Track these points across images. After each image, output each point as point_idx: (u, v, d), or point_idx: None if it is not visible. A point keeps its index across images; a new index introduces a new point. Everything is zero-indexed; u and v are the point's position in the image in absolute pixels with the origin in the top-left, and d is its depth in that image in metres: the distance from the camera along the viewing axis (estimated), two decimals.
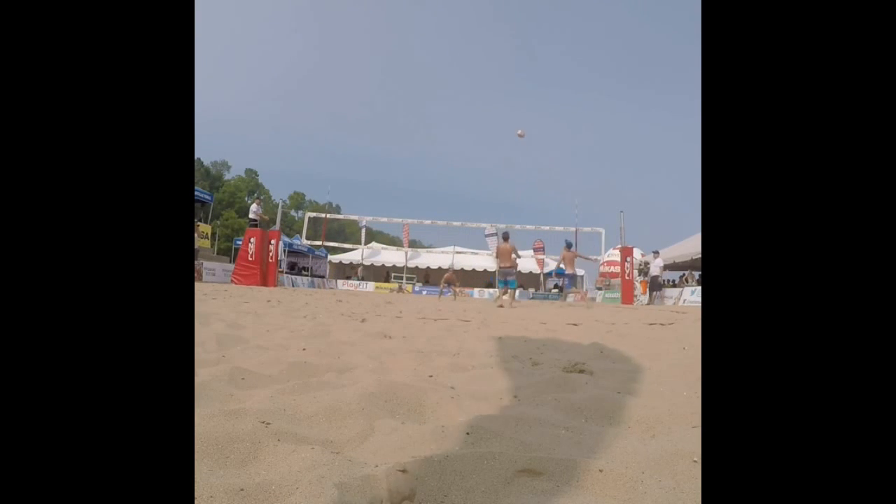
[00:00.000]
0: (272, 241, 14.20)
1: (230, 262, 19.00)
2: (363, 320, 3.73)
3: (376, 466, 0.75)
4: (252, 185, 58.94)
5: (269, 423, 0.93)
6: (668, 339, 2.93)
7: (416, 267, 25.62)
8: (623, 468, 0.78)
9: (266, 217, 15.19)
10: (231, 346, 2.06)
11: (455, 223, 21.72)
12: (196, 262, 13.90)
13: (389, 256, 27.14)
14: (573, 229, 18.92)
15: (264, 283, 13.60)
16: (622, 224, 15.55)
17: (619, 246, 15.99)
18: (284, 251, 19.08)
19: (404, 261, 24.98)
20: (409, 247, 25.68)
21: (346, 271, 27.07)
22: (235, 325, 2.87)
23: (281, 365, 1.64)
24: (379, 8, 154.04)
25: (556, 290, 23.18)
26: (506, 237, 9.86)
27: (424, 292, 21.58)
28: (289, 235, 24.78)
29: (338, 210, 54.97)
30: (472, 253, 25.05)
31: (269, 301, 5.92)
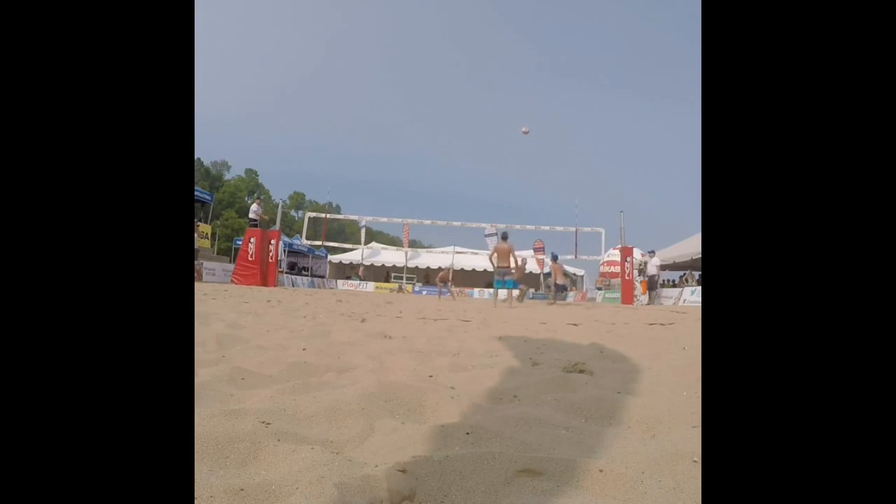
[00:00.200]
0: (272, 241, 14.20)
1: (230, 262, 19.01)
2: (363, 320, 3.74)
3: (376, 466, 0.75)
4: (252, 185, 58.94)
5: (269, 423, 0.93)
6: (668, 339, 2.93)
7: (416, 267, 25.63)
8: (623, 468, 0.78)
9: (266, 217, 15.19)
10: (231, 346, 2.06)
11: (455, 223, 21.72)
12: (196, 262, 13.90)
13: (389, 256, 27.14)
14: (573, 229, 18.91)
15: (264, 283, 13.60)
16: (622, 224, 15.56)
17: (619, 246, 15.98)
18: (284, 251, 19.08)
19: (404, 261, 24.99)
20: (409, 247, 25.69)
21: (346, 271, 27.07)
22: (235, 325, 2.87)
23: (281, 365, 1.64)
24: (380, 7, 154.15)
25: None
26: (504, 237, 9.85)
27: (424, 292, 21.59)
28: (289, 235, 24.78)
29: (338, 210, 54.98)
30: (472, 253, 25.05)
31: (269, 301, 5.92)
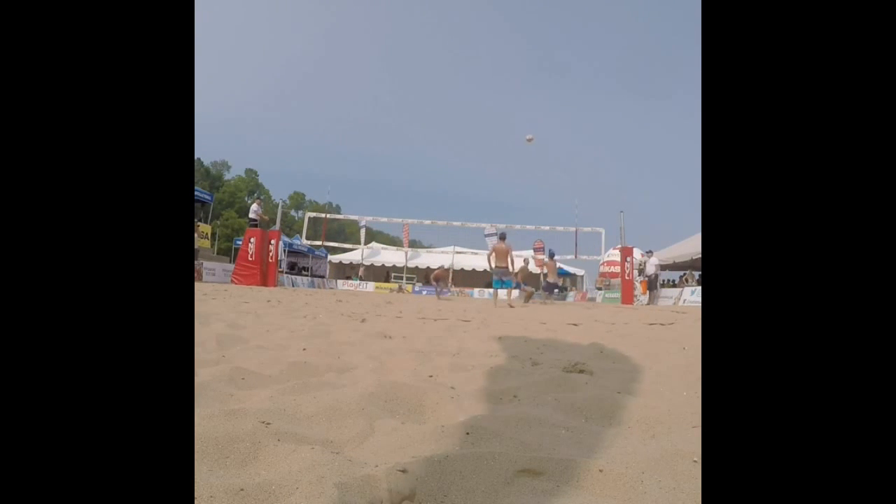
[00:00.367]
0: (272, 241, 14.20)
1: (230, 262, 19.00)
2: (363, 320, 3.74)
3: (376, 466, 0.75)
4: (252, 185, 58.94)
5: (269, 423, 0.93)
6: (668, 339, 2.93)
7: (416, 267, 25.62)
8: (623, 468, 0.78)
9: (266, 217, 15.18)
10: (231, 346, 2.06)
11: (455, 223, 21.71)
12: (196, 262, 13.90)
13: (389, 256, 27.13)
14: (573, 229, 18.91)
15: (264, 283, 13.60)
16: (622, 224, 15.55)
17: (619, 246, 15.98)
18: (284, 251, 19.07)
19: (404, 261, 24.98)
20: (409, 247, 25.69)
21: (346, 271, 27.07)
22: (235, 325, 2.87)
23: (281, 365, 1.64)
24: (380, 7, 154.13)
25: (556, 291, 23.18)
26: (502, 237, 9.86)
27: (424, 292, 21.58)
28: (289, 235, 24.77)
29: (338, 210, 54.97)
30: (472, 253, 25.04)
31: (269, 301, 5.92)
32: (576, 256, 19.24)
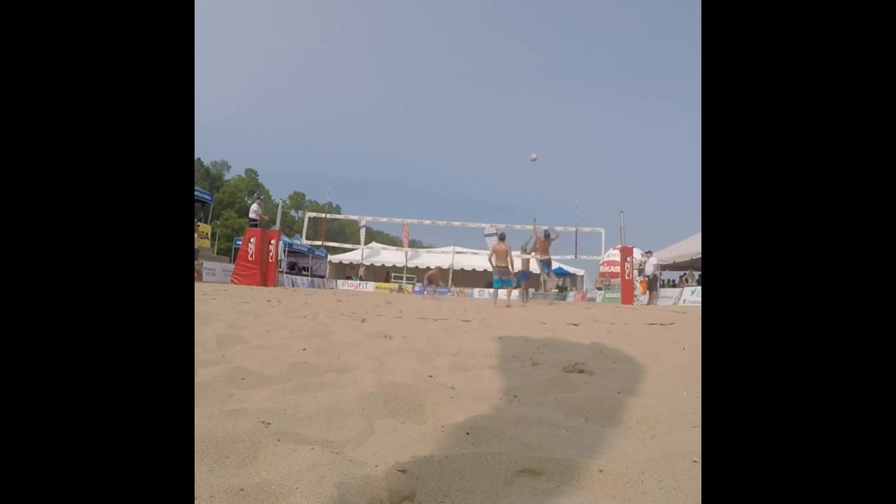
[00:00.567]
0: (272, 241, 14.20)
1: (230, 262, 19.00)
2: (363, 320, 3.74)
3: (376, 466, 0.75)
4: (252, 185, 58.92)
5: (269, 423, 0.93)
6: (668, 339, 2.93)
7: (416, 267, 25.62)
8: (623, 468, 0.78)
9: (266, 217, 15.18)
10: (231, 346, 2.06)
11: (455, 223, 21.68)
12: (196, 262, 13.89)
13: (389, 256, 27.14)
14: (573, 229, 18.89)
15: (264, 283, 13.59)
16: (622, 224, 15.54)
17: (619, 246, 15.98)
18: (284, 251, 19.07)
19: (404, 261, 24.98)
20: (409, 247, 25.68)
21: (347, 271, 27.08)
22: (235, 325, 2.87)
23: (281, 365, 1.64)
24: (381, 8, 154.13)
25: (556, 291, 23.15)
26: (502, 237, 9.89)
27: (424, 292, 21.58)
28: (289, 235, 24.78)
29: (338, 210, 54.93)
30: (472, 253, 25.03)
31: (269, 301, 5.91)
32: (576, 256, 19.23)
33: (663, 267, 18.51)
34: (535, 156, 13.17)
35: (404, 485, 0.70)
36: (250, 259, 13.75)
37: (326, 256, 26.46)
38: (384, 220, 22.35)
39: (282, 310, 4.50)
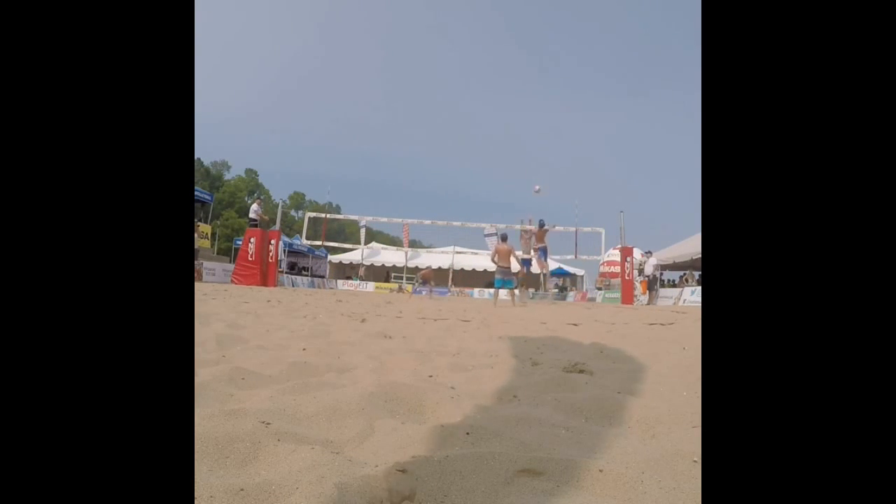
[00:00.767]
0: (272, 241, 14.20)
1: (230, 262, 19.00)
2: (363, 320, 3.74)
3: (376, 466, 0.75)
4: (252, 185, 58.92)
5: (269, 423, 0.93)
6: (668, 339, 2.93)
7: (417, 267, 25.62)
8: (623, 468, 0.78)
9: (266, 217, 15.18)
10: (231, 346, 2.06)
11: (455, 223, 21.66)
12: (196, 262, 13.89)
13: (389, 256, 27.14)
14: (573, 229, 18.89)
15: (264, 283, 13.60)
16: (622, 224, 15.54)
17: (619, 246, 15.97)
18: (284, 251, 19.07)
19: (404, 261, 24.98)
20: (409, 247, 25.68)
21: (347, 271, 27.08)
22: (235, 325, 2.87)
23: (281, 365, 1.64)
24: (381, 8, 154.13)
25: (556, 290, 23.15)
26: (504, 238, 9.92)
27: (423, 293, 21.59)
28: (289, 235, 24.78)
29: (338, 210, 54.92)
30: (472, 253, 25.02)
31: (268, 301, 5.91)
32: (576, 256, 19.20)
33: (663, 267, 18.51)
34: (538, 187, 13.16)
35: (404, 485, 0.70)
36: (250, 259, 13.75)
37: (326, 256, 26.47)
38: (384, 220, 22.33)
39: (282, 310, 4.50)
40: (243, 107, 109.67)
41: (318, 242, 20.09)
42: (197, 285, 9.41)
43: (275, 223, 15.70)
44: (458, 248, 25.45)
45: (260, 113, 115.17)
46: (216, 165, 60.97)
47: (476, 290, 22.84)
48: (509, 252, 9.37)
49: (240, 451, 0.82)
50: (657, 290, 16.25)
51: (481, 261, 23.61)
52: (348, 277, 25.56)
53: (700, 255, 14.90)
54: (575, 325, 4.05)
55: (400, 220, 22.00)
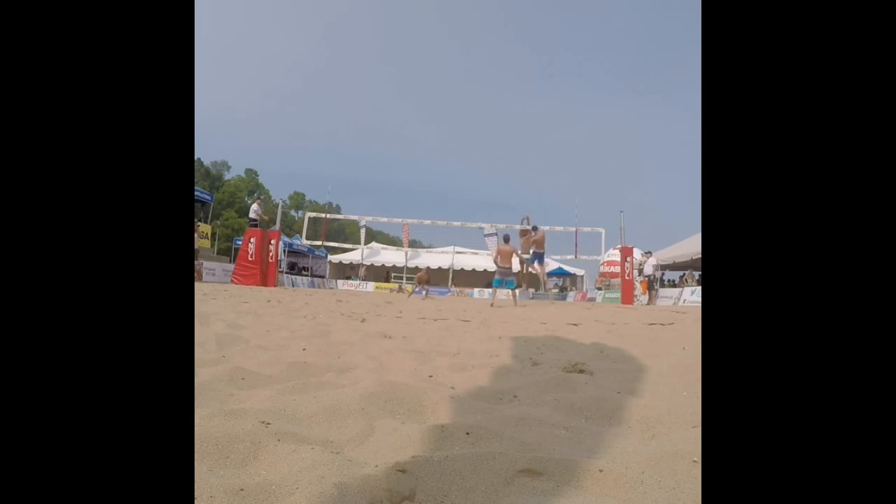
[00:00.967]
0: (272, 241, 14.19)
1: (230, 262, 18.99)
2: (363, 320, 3.74)
3: (376, 466, 0.75)
4: (252, 185, 58.91)
5: (269, 423, 0.93)
6: (668, 339, 2.93)
7: (417, 267, 25.62)
8: (623, 468, 0.78)
9: (266, 217, 15.17)
10: (231, 346, 2.06)
11: (455, 223, 21.66)
12: (196, 262, 13.89)
13: (389, 256, 27.13)
14: (573, 229, 18.88)
15: (264, 283, 13.59)
16: (622, 224, 15.53)
17: (619, 246, 15.97)
18: (284, 251, 19.07)
19: (404, 261, 24.97)
20: (409, 247, 25.67)
21: (347, 271, 27.08)
22: (235, 325, 2.87)
23: (281, 365, 1.64)
24: (381, 9, 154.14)
25: (555, 290, 23.14)
26: (506, 239, 9.95)
27: (422, 293, 21.59)
28: (289, 235, 24.78)
29: (338, 210, 54.92)
30: (472, 253, 25.02)
31: (268, 301, 5.91)
32: (576, 256, 19.20)
33: (663, 267, 18.51)
34: (528, 225, 13.17)
35: (404, 485, 0.70)
36: (250, 259, 13.75)
37: (326, 256, 26.47)
38: (384, 220, 22.33)
39: (282, 310, 4.50)
40: (244, 107, 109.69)
41: (318, 242, 20.09)
42: (197, 285, 9.41)
43: (275, 223, 15.69)
44: (458, 248, 25.44)
45: (260, 113, 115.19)
46: (216, 165, 60.95)
47: (476, 290, 22.83)
48: (511, 253, 9.38)
49: (240, 451, 0.82)
50: (657, 290, 16.26)
51: (481, 261, 23.60)
52: (348, 277, 25.55)
53: (700, 255, 14.91)
54: (575, 325, 4.05)
55: (400, 220, 21.99)
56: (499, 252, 9.50)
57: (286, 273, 19.46)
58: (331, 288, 21.29)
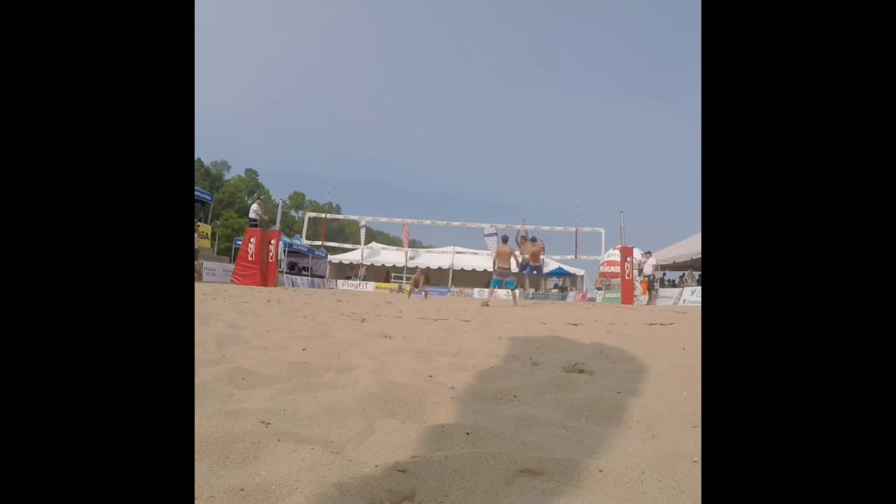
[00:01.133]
0: (272, 241, 14.20)
1: (230, 262, 18.99)
2: (363, 320, 3.74)
3: (376, 466, 0.75)
4: (252, 185, 58.90)
5: (269, 423, 0.93)
6: (668, 339, 2.93)
7: (417, 267, 25.62)
8: (623, 468, 0.78)
9: (266, 217, 15.17)
10: (231, 346, 2.06)
11: (455, 223, 21.66)
12: (196, 262, 13.89)
13: (389, 256, 27.12)
14: (573, 229, 18.88)
15: (264, 283, 13.59)
16: (622, 224, 15.53)
17: (619, 246, 15.97)
18: (284, 251, 19.08)
19: (404, 261, 24.97)
20: (409, 247, 25.67)
21: (346, 271, 27.08)
22: (235, 325, 2.87)
23: (281, 365, 1.64)
24: (380, 8, 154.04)
25: (555, 290, 23.14)
26: (505, 240, 9.97)
27: (422, 294, 21.58)
28: (289, 235, 24.79)
29: (338, 210, 54.86)
30: (472, 253, 25.02)
31: (269, 301, 5.91)
32: (576, 256, 19.20)
33: (663, 267, 18.51)
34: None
35: (404, 485, 0.70)
36: (250, 259, 13.75)
37: (326, 256, 26.47)
38: (384, 220, 22.34)
39: (282, 310, 4.50)
40: (243, 107, 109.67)
41: (318, 242, 20.09)
42: (197, 285, 9.41)
43: (275, 223, 15.69)
44: (457, 248, 25.45)
45: (260, 113, 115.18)
46: (216, 165, 60.93)
47: (476, 290, 22.82)
48: (510, 253, 9.39)
49: (240, 451, 0.82)
50: (657, 290, 16.26)
51: (481, 261, 23.60)
52: (348, 277, 25.55)
53: (700, 255, 14.90)
54: (575, 325, 4.05)
55: (400, 220, 22.00)
56: (498, 253, 9.51)
57: (286, 273, 19.46)
58: (331, 288, 21.29)
